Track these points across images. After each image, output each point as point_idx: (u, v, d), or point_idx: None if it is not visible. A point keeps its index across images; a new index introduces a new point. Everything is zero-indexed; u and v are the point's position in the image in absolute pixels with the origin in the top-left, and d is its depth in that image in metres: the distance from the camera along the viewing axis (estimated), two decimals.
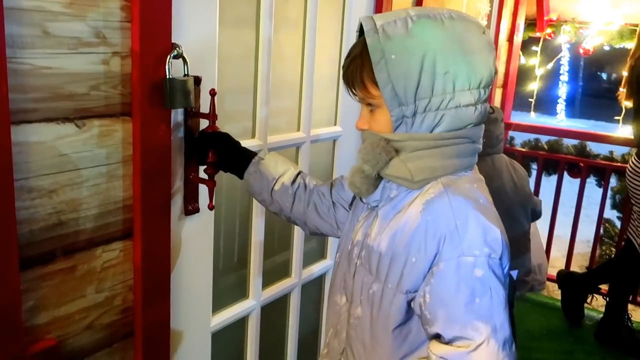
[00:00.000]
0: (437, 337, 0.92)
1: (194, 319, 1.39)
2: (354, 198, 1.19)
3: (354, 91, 0.99)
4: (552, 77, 4.40)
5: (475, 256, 0.88)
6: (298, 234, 1.76)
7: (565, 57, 4.21)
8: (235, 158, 1.24)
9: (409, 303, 0.96)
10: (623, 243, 3.12)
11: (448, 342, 0.89)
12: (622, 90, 2.94)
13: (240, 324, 1.60)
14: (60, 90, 0.99)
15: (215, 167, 1.24)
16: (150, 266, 1.21)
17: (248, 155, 1.25)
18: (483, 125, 1.01)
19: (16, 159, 0.94)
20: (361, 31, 0.97)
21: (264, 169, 1.23)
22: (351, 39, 1.80)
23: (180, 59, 1.15)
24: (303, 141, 1.65)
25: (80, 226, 1.08)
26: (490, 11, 2.93)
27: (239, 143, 1.26)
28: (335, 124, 1.84)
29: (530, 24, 3.99)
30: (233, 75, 1.42)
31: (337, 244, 1.20)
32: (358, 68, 0.95)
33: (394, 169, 0.96)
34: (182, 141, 1.25)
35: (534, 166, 3.77)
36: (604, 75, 18.96)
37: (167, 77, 1.12)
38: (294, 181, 1.24)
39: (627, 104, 2.90)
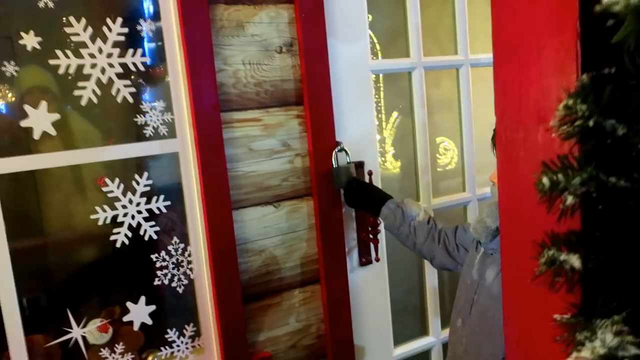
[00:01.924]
0: None
1: (377, 348, 1.76)
2: (473, 241, 1.43)
3: None
4: None
5: None
6: None
7: None
8: (375, 199, 1.56)
9: None
10: None
11: None
12: None
13: (423, 357, 1.90)
14: (261, 184, 1.52)
15: (356, 208, 1.61)
16: (334, 304, 1.63)
17: (386, 196, 1.55)
18: None
19: (237, 232, 1.48)
20: None
21: (405, 208, 1.52)
22: None
23: (344, 152, 1.59)
24: (469, 200, 1.92)
25: (282, 274, 1.57)
26: None
27: (377, 188, 1.60)
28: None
29: None
30: (396, 153, 1.80)
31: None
32: None
33: None
34: (353, 211, 1.67)
35: None
36: None
37: (334, 166, 1.57)
38: (428, 221, 1.52)
39: None
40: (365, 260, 1.71)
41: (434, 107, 1.84)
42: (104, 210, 1.33)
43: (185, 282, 1.46)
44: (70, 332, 1.34)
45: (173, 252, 1.44)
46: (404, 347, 1.84)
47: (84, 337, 1.36)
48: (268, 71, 1.49)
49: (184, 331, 1.47)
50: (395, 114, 1.95)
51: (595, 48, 0.44)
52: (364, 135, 1.67)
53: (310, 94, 1.53)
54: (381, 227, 1.64)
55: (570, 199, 0.47)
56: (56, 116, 1.26)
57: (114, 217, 1.35)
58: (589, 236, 0.49)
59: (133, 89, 1.33)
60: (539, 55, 0.49)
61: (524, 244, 0.53)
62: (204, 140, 1.40)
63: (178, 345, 1.47)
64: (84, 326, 1.36)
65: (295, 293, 1.60)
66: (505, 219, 0.63)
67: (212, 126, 1.41)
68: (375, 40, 1.92)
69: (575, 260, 0.47)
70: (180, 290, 1.46)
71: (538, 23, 0.49)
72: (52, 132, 1.26)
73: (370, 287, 1.73)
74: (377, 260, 1.65)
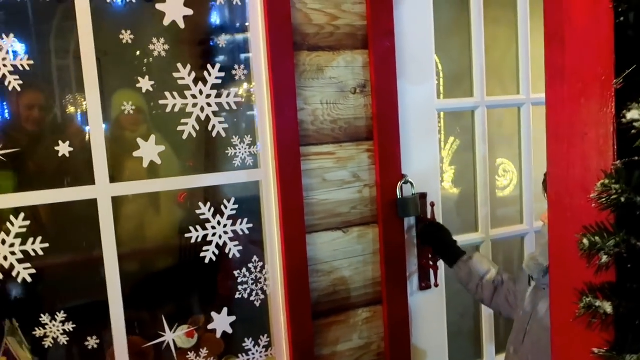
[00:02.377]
0: None
1: None
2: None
3: None
4: None
5: None
6: None
7: None
8: (449, 251, 1.72)
9: None
10: None
11: None
12: None
13: None
14: (333, 211, 1.67)
15: (434, 255, 1.75)
16: (394, 324, 1.76)
17: (458, 252, 1.71)
18: None
19: (309, 254, 1.63)
20: None
21: (473, 266, 1.65)
22: None
23: (409, 184, 1.73)
24: (527, 232, 2.00)
25: (348, 294, 1.72)
26: None
27: (455, 241, 1.73)
28: None
29: None
30: (460, 186, 1.92)
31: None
32: None
33: None
34: (414, 238, 1.80)
35: None
36: None
37: (399, 197, 1.71)
38: (494, 279, 1.62)
39: None
40: (424, 285, 1.83)
41: (495, 141, 1.95)
42: (197, 230, 1.52)
43: (262, 297, 1.63)
44: (163, 335, 1.53)
45: (253, 270, 1.61)
46: None
47: (174, 341, 1.55)
48: (343, 110, 1.65)
49: (259, 341, 1.64)
50: (455, 143, 2.08)
51: (627, 143, 0.56)
52: (427, 168, 1.80)
53: (379, 130, 1.68)
54: None
55: (605, 258, 0.60)
56: (162, 148, 1.47)
57: (205, 236, 1.53)
58: (620, 288, 0.61)
59: (226, 125, 1.53)
60: (583, 140, 0.61)
61: (568, 289, 0.65)
62: (285, 171, 1.57)
63: (253, 354, 1.63)
64: (175, 331, 1.55)
65: (359, 312, 1.74)
66: (553, 267, 0.75)
67: (292, 158, 1.58)
68: (442, 82, 2.05)
69: (607, 307, 0.60)
70: (257, 304, 1.63)
71: (584, 115, 0.61)
72: (158, 161, 1.46)
73: (428, 311, 1.85)
74: (437, 285, 1.77)
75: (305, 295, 1.63)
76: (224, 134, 1.53)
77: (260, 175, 1.59)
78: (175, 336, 1.55)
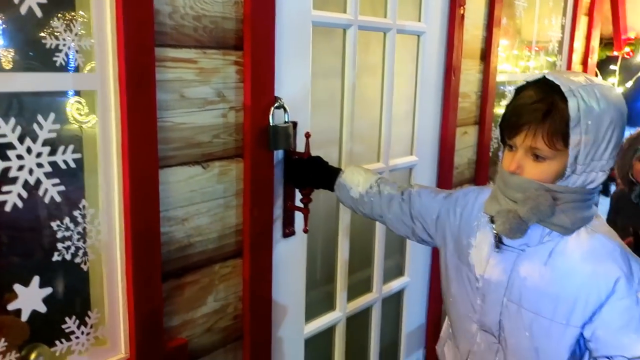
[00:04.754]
0: (609, 358, 1.07)
1: (290, 326, 1.62)
2: (437, 223, 1.32)
3: (526, 140, 1.05)
4: (635, 96, 4.33)
5: None
6: (378, 255, 1.96)
7: None
8: (324, 176, 1.45)
9: (579, 334, 1.09)
10: None
11: None
12: None
13: (328, 333, 1.82)
14: (191, 140, 1.26)
15: (309, 186, 1.47)
16: (256, 280, 1.45)
17: (335, 172, 1.44)
18: None
19: (161, 195, 1.21)
20: (531, 85, 1.08)
21: (343, 181, 1.41)
22: (425, 77, 1.99)
23: (282, 109, 1.40)
24: (382, 170, 1.86)
25: (204, 247, 1.34)
26: (562, 38, 3.01)
27: (327, 163, 1.46)
28: (411, 154, 2.04)
29: (608, 43, 4.00)
30: (323, 117, 1.65)
31: (442, 270, 1.33)
32: (550, 125, 1.03)
33: (556, 219, 1.08)
34: (281, 176, 1.49)
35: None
36: None
37: (271, 124, 1.37)
38: (370, 188, 1.39)
39: None
40: (288, 231, 1.55)
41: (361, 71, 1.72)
42: None
43: (93, 256, 1.15)
44: None
45: (79, 219, 1.12)
46: (313, 324, 1.74)
47: None
48: (209, 4, 1.23)
49: (86, 319, 1.17)
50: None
51: None
52: (299, 93, 1.50)
53: (252, 38, 1.30)
54: (312, 196, 1.49)
55: None
56: None
57: (5, 170, 0.99)
58: None
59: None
60: None
61: None
62: (132, 79, 1.09)
63: (77, 337, 1.16)
64: None
65: (216, 268, 1.38)
66: None
67: (144, 60, 1.11)
68: None
69: None
70: (84, 267, 1.14)
71: None
72: None
73: (289, 262, 1.58)
74: (306, 231, 1.50)
75: (155, 251, 1.21)
76: (39, 12, 0.98)
77: (95, 83, 1.09)
78: None
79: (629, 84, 4.04)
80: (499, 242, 1.16)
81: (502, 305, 1.16)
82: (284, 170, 1.49)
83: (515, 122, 1.08)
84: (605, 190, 3.45)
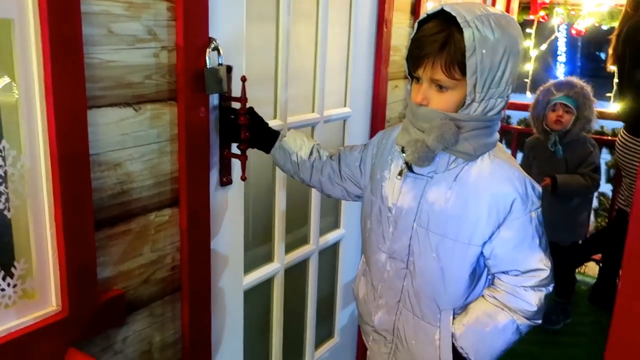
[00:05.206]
0: (505, 273, 1.21)
1: (229, 277, 1.60)
2: (360, 168, 1.40)
3: (427, 70, 1.12)
4: (550, 58, 4.56)
5: (537, 209, 1.17)
6: (315, 207, 1.96)
7: (561, 39, 4.36)
8: (263, 137, 1.44)
9: (479, 252, 1.19)
10: (614, 213, 3.32)
11: (524, 273, 1.19)
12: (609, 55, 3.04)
13: (267, 284, 1.81)
14: (121, 79, 1.18)
15: (246, 144, 1.44)
16: (194, 229, 1.41)
17: (273, 134, 1.45)
18: None
19: (90, 138, 1.13)
20: (432, 18, 1.12)
21: (285, 145, 1.43)
22: (358, 28, 1.99)
23: (216, 51, 1.35)
24: (317, 121, 1.85)
25: (139, 195, 1.28)
26: None
27: (267, 123, 1.46)
28: (345, 106, 2.04)
29: (525, 7, 4.16)
30: (257, 64, 1.61)
31: (361, 212, 1.41)
32: (447, 54, 1.09)
33: (460, 146, 1.15)
34: (217, 122, 1.44)
35: None
36: (603, 55, 19.03)
37: (207, 66, 1.32)
38: (310, 154, 1.44)
39: (612, 68, 3.04)
40: (225, 179, 1.51)
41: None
42: None
43: (17, 202, 1.07)
44: None
45: (0, 162, 1.03)
46: (252, 275, 1.72)
47: None
48: None
49: (12, 270, 1.09)
50: None
51: None
52: (234, 36, 1.44)
53: None
54: None
55: None
56: None
57: None
58: None
59: None
60: None
61: None
62: (54, 7, 1.01)
63: (3, 289, 1.08)
64: None
65: (151, 218, 1.33)
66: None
67: None
68: None
69: None
70: (7, 214, 1.06)
71: None
72: None
73: (227, 211, 1.55)
74: (244, 179, 1.47)
75: (85, 197, 1.14)
76: None
77: (11, 11, 0.99)
78: None
79: (544, 46, 4.25)
80: (409, 171, 1.23)
81: (412, 230, 1.24)
82: (219, 127, 1.44)
83: (417, 55, 1.13)
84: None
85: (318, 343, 2.17)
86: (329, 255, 2.18)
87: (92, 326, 1.21)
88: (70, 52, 1.05)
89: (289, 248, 1.87)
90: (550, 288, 1.23)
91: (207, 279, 1.49)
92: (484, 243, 1.19)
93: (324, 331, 2.24)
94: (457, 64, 1.09)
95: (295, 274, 1.95)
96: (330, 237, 2.11)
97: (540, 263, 1.20)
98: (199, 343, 1.50)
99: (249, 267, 1.71)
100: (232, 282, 1.62)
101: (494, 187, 1.16)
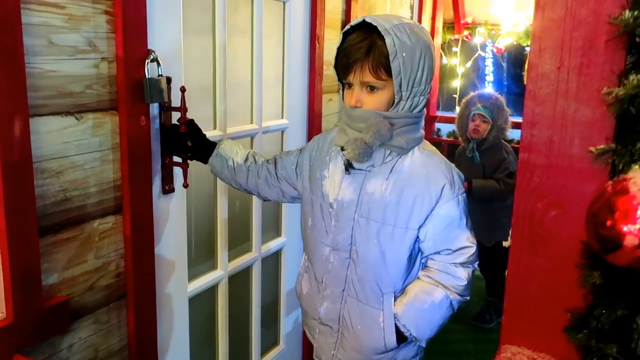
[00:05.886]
0: (437, 253, 1.34)
1: (174, 284, 1.63)
2: (296, 171, 1.50)
3: (356, 75, 1.25)
4: (474, 75, 4.82)
5: (462, 193, 1.32)
6: (256, 215, 2.02)
7: (489, 58, 4.62)
8: (201, 148, 1.50)
9: (416, 236, 1.32)
10: None
11: (455, 251, 1.33)
12: (524, 73, 3.37)
13: (211, 291, 1.85)
14: (63, 89, 1.22)
15: (187, 152, 1.50)
16: (137, 237, 1.44)
17: (211, 145, 1.52)
18: None
19: (33, 146, 1.16)
20: (356, 29, 1.26)
21: (222, 152, 1.51)
22: (292, 43, 2.09)
23: (155, 62, 1.40)
24: (256, 132, 1.93)
25: (82, 202, 1.31)
26: (411, 16, 3.29)
27: (205, 135, 1.52)
28: (282, 117, 2.13)
29: (450, 27, 4.43)
30: (195, 75, 1.67)
31: (301, 212, 1.50)
32: (372, 59, 1.22)
33: (394, 141, 1.28)
34: (157, 131, 1.49)
35: None
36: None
37: (147, 77, 1.37)
38: (246, 159, 1.53)
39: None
40: (168, 187, 1.55)
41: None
42: None
43: None
44: None
45: None
46: (197, 282, 1.76)
47: None
48: None
49: None
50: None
51: None
52: (172, 48, 1.51)
53: None
54: None
55: None
56: None
57: None
58: None
59: None
60: None
61: None
62: None
63: None
64: None
65: (95, 225, 1.35)
66: None
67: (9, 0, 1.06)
68: None
69: None
70: None
71: None
72: None
73: (170, 219, 1.59)
74: (186, 186, 1.52)
75: (29, 203, 1.16)
76: None
77: None
78: None
79: (469, 63, 4.52)
80: (349, 167, 1.35)
81: (354, 221, 1.35)
82: (160, 138, 1.49)
83: (346, 62, 1.27)
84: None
85: (264, 350, 2.21)
86: (272, 263, 2.23)
87: (37, 333, 1.22)
88: (11, 61, 1.08)
89: (232, 256, 1.92)
90: (476, 265, 1.38)
91: (152, 286, 1.52)
92: (420, 227, 1.32)
93: (270, 338, 2.29)
94: (382, 66, 1.23)
95: (239, 282, 2.00)
96: (273, 244, 2.18)
97: (468, 241, 1.34)
98: (145, 350, 1.52)
99: (193, 274, 1.74)
100: (177, 289, 1.65)
101: (426, 175, 1.30)
